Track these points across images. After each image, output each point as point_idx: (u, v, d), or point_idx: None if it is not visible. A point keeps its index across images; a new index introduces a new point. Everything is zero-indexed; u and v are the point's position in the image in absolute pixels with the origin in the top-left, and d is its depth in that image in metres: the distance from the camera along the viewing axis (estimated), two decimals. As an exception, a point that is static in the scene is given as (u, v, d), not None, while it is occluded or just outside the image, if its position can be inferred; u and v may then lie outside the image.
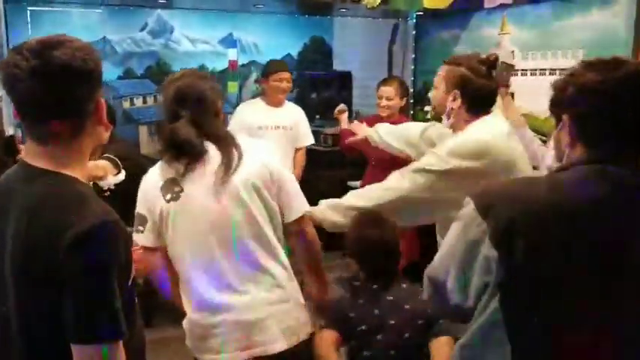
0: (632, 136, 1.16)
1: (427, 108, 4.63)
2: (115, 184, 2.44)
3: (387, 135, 2.66)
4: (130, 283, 1.22)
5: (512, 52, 3.81)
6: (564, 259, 1.11)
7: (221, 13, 4.99)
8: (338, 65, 5.63)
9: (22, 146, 2.56)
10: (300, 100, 4.87)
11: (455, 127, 2.11)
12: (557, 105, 1.24)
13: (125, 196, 2.07)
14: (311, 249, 1.96)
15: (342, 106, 3.77)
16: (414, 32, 4.78)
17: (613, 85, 1.14)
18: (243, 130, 3.89)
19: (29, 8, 4.45)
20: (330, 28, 5.64)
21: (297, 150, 4.07)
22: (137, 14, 4.89)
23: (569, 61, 3.49)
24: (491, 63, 2.07)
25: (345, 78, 5.14)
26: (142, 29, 4.96)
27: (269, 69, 3.97)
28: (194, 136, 1.74)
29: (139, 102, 4.89)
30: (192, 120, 1.76)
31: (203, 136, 1.76)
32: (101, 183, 2.34)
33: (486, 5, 4.08)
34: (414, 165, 2.09)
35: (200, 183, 1.75)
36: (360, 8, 3.98)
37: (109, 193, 2.36)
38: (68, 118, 1.20)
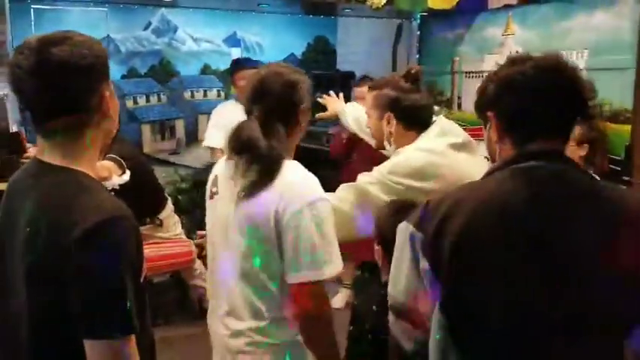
0: (553, 128, 1.18)
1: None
2: (120, 185, 2.44)
3: (351, 117, 2.62)
4: (142, 279, 1.22)
5: (517, 52, 3.80)
6: (495, 254, 1.11)
7: (225, 12, 4.98)
8: (341, 65, 5.62)
9: (29, 145, 2.57)
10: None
11: (399, 146, 2.02)
12: (481, 105, 1.26)
13: (128, 195, 2.07)
14: (305, 330, 1.59)
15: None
16: (418, 32, 4.78)
17: (528, 77, 1.16)
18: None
19: (33, 6, 4.45)
20: (333, 28, 5.64)
21: None
22: (141, 13, 4.89)
23: (573, 63, 3.47)
24: (414, 76, 2.01)
25: (349, 78, 5.13)
26: (146, 28, 4.96)
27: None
28: (258, 135, 1.57)
29: (142, 101, 4.88)
30: (262, 118, 1.61)
31: (273, 139, 1.58)
32: (106, 183, 2.34)
33: (491, 6, 4.08)
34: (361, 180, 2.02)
35: (231, 191, 1.62)
36: (364, 8, 3.97)
37: (112, 193, 2.36)
38: (71, 114, 1.20)
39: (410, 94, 1.99)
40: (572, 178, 1.17)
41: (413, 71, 2.02)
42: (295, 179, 1.57)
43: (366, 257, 4.15)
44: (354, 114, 2.60)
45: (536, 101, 1.16)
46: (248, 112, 1.66)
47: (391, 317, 1.32)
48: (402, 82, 2.00)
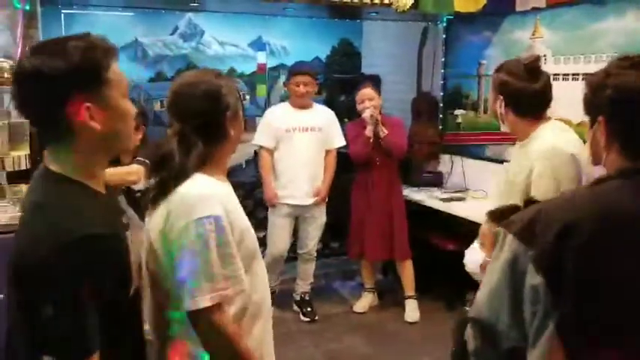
0: None
1: (457, 112, 4.58)
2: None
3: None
4: (129, 289, 1.22)
5: (544, 56, 3.75)
6: (626, 268, 1.03)
7: (250, 16, 5.01)
8: (367, 69, 5.61)
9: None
10: (328, 103, 4.87)
11: (518, 136, 2.15)
12: (592, 106, 1.17)
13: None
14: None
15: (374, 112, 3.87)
16: (444, 36, 4.74)
17: None
18: (272, 133, 3.93)
19: (63, 11, 4.53)
20: (358, 32, 5.63)
21: (327, 152, 4.06)
22: (168, 17, 4.95)
23: (603, 66, 3.41)
24: (531, 64, 2.06)
25: (374, 81, 5.11)
26: (173, 32, 5.02)
27: (289, 73, 4.09)
28: (172, 153, 1.48)
29: (169, 104, 4.93)
30: (179, 133, 1.51)
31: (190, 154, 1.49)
32: (135, 187, 2.37)
33: (518, 8, 4.03)
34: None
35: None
36: (390, 12, 3.96)
37: (139, 194, 2.40)
38: (43, 124, 1.20)
39: (521, 81, 2.04)
40: None
41: (532, 59, 2.07)
42: (188, 193, 1.45)
43: (382, 256, 4.18)
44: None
45: None
46: (170, 126, 1.57)
47: (473, 334, 1.19)
48: (518, 68, 2.06)
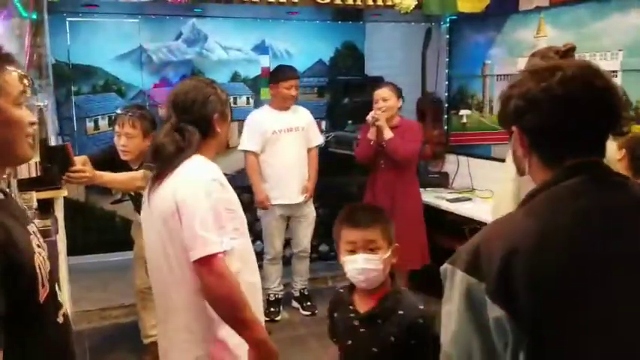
0: (585, 145, 1.10)
1: (462, 112, 4.58)
2: None
3: None
4: (33, 295, 1.19)
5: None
6: (579, 281, 1.02)
7: (254, 20, 5.03)
8: (370, 70, 5.62)
9: (77, 158, 2.62)
10: (332, 106, 4.89)
11: None
12: (504, 118, 1.19)
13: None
14: (212, 303, 1.70)
15: (376, 114, 3.81)
16: (447, 36, 4.75)
17: (553, 92, 1.08)
18: (259, 136, 3.94)
19: (68, 19, 4.57)
20: (362, 34, 5.64)
21: (309, 150, 4.12)
22: (172, 23, 4.97)
23: (608, 64, 3.41)
24: (565, 51, 2.08)
25: (378, 84, 5.12)
26: (177, 38, 5.05)
27: (278, 75, 4.03)
28: (167, 139, 1.80)
29: (174, 109, 4.95)
30: (176, 125, 1.82)
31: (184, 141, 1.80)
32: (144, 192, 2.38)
33: (522, 8, 4.03)
34: None
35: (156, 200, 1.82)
36: (393, 13, 3.96)
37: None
38: None
39: None
40: (627, 186, 1.11)
41: (566, 47, 2.08)
42: (188, 169, 1.75)
43: (411, 265, 4.11)
44: None
45: (565, 119, 1.08)
46: (167, 118, 1.86)
47: None
48: (552, 54, 2.08)
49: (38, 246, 1.25)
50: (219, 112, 1.86)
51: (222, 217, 1.69)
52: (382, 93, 3.85)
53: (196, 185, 1.70)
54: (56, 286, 1.32)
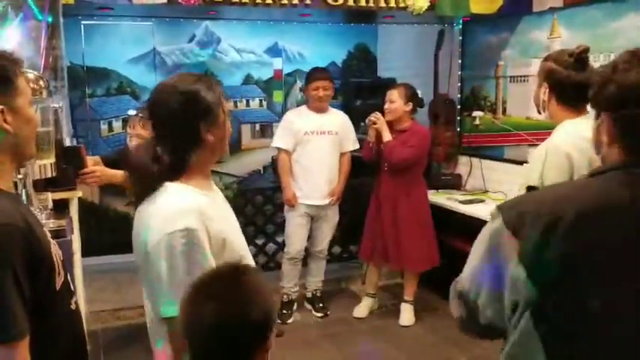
0: None
1: (475, 114, 4.56)
2: None
3: None
4: (50, 283, 1.25)
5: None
6: (610, 267, 1.03)
7: (266, 23, 5.05)
8: (383, 72, 5.62)
9: (89, 157, 2.66)
10: (345, 108, 4.89)
11: (554, 120, 2.19)
12: (597, 102, 1.16)
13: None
14: None
15: (374, 116, 3.86)
16: (460, 38, 4.73)
17: None
18: (291, 136, 3.98)
19: (83, 22, 4.61)
20: (374, 36, 5.65)
21: (341, 155, 4.12)
22: (186, 26, 5.01)
23: (623, 64, 3.39)
24: (579, 54, 2.08)
25: (390, 85, 5.12)
26: (190, 40, 5.08)
27: (308, 78, 4.11)
28: (149, 161, 1.46)
29: (187, 112, 4.98)
30: (158, 137, 1.50)
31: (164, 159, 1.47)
32: None
33: (535, 9, 4.01)
34: None
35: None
36: (405, 15, 3.96)
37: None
38: None
39: (567, 70, 2.08)
40: None
41: (580, 50, 2.09)
42: (162, 206, 1.44)
43: (382, 263, 4.10)
44: None
45: None
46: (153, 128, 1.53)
47: (458, 304, 1.24)
48: (566, 57, 2.10)
49: (51, 237, 1.34)
50: (204, 116, 1.48)
51: (188, 272, 1.37)
52: (390, 94, 3.89)
53: (159, 238, 1.39)
54: (68, 275, 1.39)
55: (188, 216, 1.40)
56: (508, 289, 1.08)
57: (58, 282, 1.29)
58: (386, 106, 3.87)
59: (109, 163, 2.83)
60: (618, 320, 1.05)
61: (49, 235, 1.33)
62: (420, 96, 3.99)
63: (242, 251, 1.58)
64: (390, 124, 3.85)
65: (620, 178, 1.09)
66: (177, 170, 1.47)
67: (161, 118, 1.48)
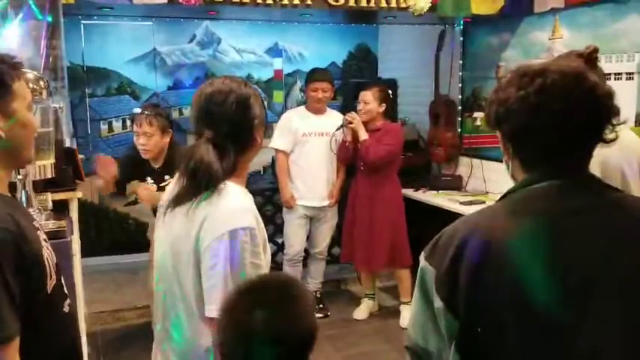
0: (564, 150, 1.08)
1: (476, 115, 4.55)
2: None
3: None
4: (42, 287, 1.25)
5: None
6: (512, 289, 1.01)
7: (267, 23, 5.05)
8: (383, 73, 5.61)
9: (81, 156, 2.66)
10: (345, 108, 4.87)
11: None
12: (488, 122, 1.19)
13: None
14: None
15: (349, 116, 3.89)
16: (461, 38, 4.72)
17: (529, 101, 1.06)
18: (289, 137, 3.98)
19: (83, 22, 4.60)
20: (375, 36, 5.64)
21: None
22: (186, 26, 5.00)
23: (624, 66, 3.38)
24: (589, 55, 2.04)
25: (391, 85, 5.10)
26: (191, 40, 5.07)
27: (307, 78, 4.13)
28: (212, 159, 1.47)
29: (187, 112, 4.98)
30: (214, 141, 1.50)
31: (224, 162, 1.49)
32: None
33: (537, 10, 4.00)
34: None
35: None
36: (406, 15, 3.95)
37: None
38: None
39: None
40: (595, 193, 1.10)
41: (589, 49, 2.06)
42: (227, 204, 1.47)
43: (378, 268, 4.11)
44: None
45: (542, 129, 1.07)
46: (198, 134, 1.54)
47: None
48: (574, 57, 2.04)
49: (45, 240, 1.33)
50: (259, 117, 1.56)
51: (246, 272, 1.43)
52: (364, 96, 3.94)
53: (223, 234, 1.43)
54: (62, 278, 1.38)
55: (248, 214, 1.48)
56: (439, 322, 1.07)
57: (50, 285, 1.28)
58: (360, 107, 3.92)
59: (122, 163, 3.09)
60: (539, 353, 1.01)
61: (42, 237, 1.32)
62: (391, 96, 4.08)
63: (269, 257, 1.60)
64: (364, 124, 3.90)
65: (520, 197, 1.10)
66: (233, 169, 1.51)
67: (219, 123, 1.50)
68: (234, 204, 1.48)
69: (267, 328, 1.11)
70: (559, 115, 1.06)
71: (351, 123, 3.87)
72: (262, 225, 1.56)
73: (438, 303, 1.06)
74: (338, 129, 3.95)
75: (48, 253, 1.31)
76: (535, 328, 1.00)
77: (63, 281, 1.39)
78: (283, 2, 3.57)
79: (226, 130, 1.50)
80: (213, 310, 1.39)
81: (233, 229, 1.42)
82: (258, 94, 1.60)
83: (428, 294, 1.09)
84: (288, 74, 5.46)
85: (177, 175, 1.57)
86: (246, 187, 1.62)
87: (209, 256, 1.43)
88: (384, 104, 3.92)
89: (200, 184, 1.48)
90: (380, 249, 3.92)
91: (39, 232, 1.33)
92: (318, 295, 4.28)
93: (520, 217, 1.07)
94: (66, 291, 1.40)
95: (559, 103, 1.06)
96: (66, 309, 1.38)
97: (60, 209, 2.64)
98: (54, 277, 1.31)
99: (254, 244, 1.45)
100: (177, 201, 1.52)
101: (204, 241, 1.44)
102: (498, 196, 3.30)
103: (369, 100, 3.90)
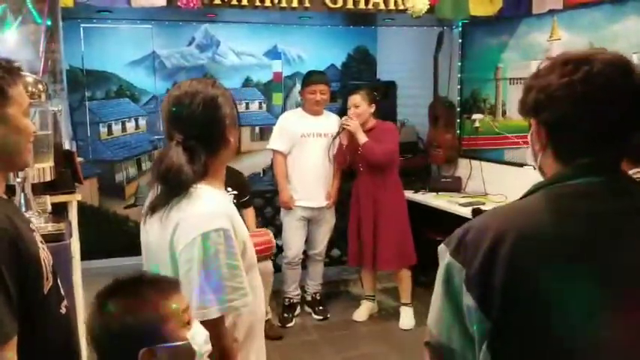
0: (603, 143, 1.05)
1: (475, 116, 4.56)
2: None
3: None
4: (38, 288, 1.26)
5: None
6: (551, 284, 0.99)
7: (266, 26, 5.06)
8: (382, 75, 5.62)
9: (79, 159, 2.66)
10: (344, 111, 4.88)
11: None
12: (523, 110, 1.14)
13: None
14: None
15: (345, 120, 3.90)
16: (460, 40, 4.73)
17: (573, 89, 1.03)
18: (287, 138, 3.98)
19: (82, 25, 4.61)
20: (373, 38, 5.64)
21: None
22: (185, 29, 5.01)
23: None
24: None
25: (390, 87, 5.11)
26: (190, 43, 5.08)
27: (305, 81, 4.14)
28: (182, 163, 1.46)
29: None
30: (184, 144, 1.49)
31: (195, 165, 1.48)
32: None
33: (535, 11, 4.00)
34: None
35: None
36: (405, 17, 3.96)
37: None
38: None
39: None
40: (634, 193, 1.08)
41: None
42: (198, 207, 1.46)
43: (385, 267, 4.10)
44: None
45: (585, 119, 1.04)
46: (169, 138, 1.53)
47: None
48: None
49: (41, 242, 1.34)
50: (229, 116, 1.55)
51: (223, 275, 1.43)
52: (353, 100, 3.95)
53: (195, 238, 1.42)
54: (58, 279, 1.39)
55: (222, 217, 1.46)
56: (468, 320, 1.04)
57: (46, 286, 1.29)
58: (351, 111, 3.92)
59: None
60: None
61: (39, 239, 1.33)
62: (376, 96, 4.10)
63: (254, 255, 1.60)
64: None
65: (559, 194, 1.07)
66: (204, 172, 1.50)
67: (191, 122, 1.50)
68: (204, 207, 1.46)
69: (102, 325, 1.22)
70: (604, 105, 1.03)
71: (347, 126, 3.88)
72: (242, 226, 1.55)
73: (469, 302, 1.02)
74: (335, 137, 3.96)
75: (45, 255, 1.31)
76: (574, 333, 0.98)
77: (59, 283, 1.39)
78: (282, 5, 3.58)
79: (195, 133, 1.49)
80: (198, 314, 1.39)
81: (204, 232, 1.41)
82: (228, 94, 1.58)
83: (455, 291, 1.06)
84: (288, 77, 5.47)
85: (149, 181, 1.58)
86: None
87: (183, 261, 1.43)
88: (373, 104, 3.96)
89: (172, 189, 1.48)
90: (387, 248, 3.93)
91: (35, 233, 1.33)
92: (318, 298, 4.28)
93: (565, 217, 1.03)
94: (62, 293, 1.40)
95: (604, 93, 1.03)
96: (62, 310, 1.38)
97: (59, 212, 2.64)
98: (50, 278, 1.31)
99: (229, 245, 1.44)
100: (153, 208, 1.52)
101: (178, 247, 1.44)
102: (497, 198, 3.34)
103: (359, 102, 3.92)
